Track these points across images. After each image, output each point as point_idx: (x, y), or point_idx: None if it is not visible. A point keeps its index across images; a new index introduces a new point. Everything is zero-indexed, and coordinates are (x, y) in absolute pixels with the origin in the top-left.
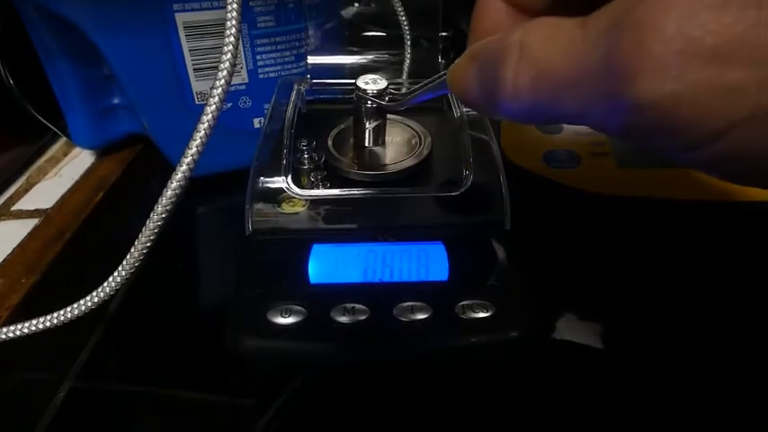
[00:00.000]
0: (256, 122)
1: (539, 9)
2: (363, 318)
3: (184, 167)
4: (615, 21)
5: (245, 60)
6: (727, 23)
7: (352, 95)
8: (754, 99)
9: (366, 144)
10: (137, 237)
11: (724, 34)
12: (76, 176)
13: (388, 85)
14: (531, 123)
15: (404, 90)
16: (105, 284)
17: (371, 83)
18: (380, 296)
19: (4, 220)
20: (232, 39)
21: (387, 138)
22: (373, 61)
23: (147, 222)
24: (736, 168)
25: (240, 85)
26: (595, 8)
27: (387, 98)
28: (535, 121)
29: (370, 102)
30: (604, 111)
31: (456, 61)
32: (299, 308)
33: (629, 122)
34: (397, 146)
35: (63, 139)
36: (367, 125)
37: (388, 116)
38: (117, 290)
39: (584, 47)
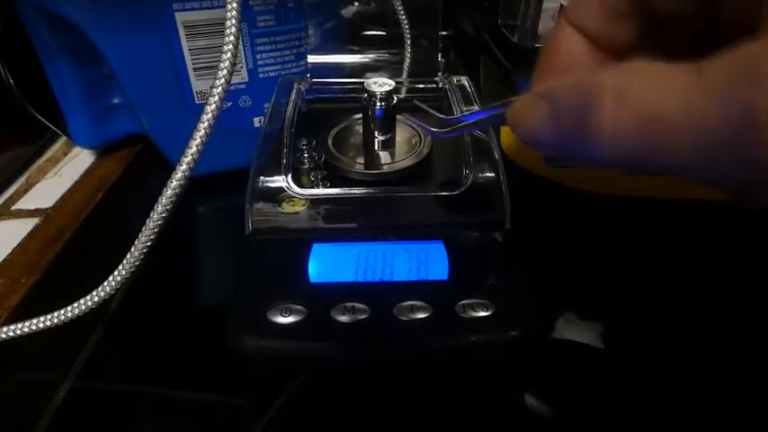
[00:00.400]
0: (256, 122)
1: (623, 49)
2: (363, 317)
3: (184, 167)
4: (744, 73)
5: (245, 59)
6: None
7: (352, 94)
8: None
9: (377, 148)
10: (137, 236)
11: None
12: (76, 176)
13: (395, 86)
14: (620, 169)
15: (404, 89)
16: (105, 284)
17: (379, 85)
18: (380, 295)
19: (5, 219)
20: (232, 38)
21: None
22: (373, 60)
23: (147, 222)
24: None
25: (240, 84)
26: (685, 49)
27: (394, 100)
28: (623, 168)
29: (379, 102)
30: (725, 166)
31: (520, 99)
32: (299, 307)
33: (758, 180)
34: (397, 145)
35: (63, 139)
36: (377, 135)
37: None
38: (117, 289)
39: (703, 97)
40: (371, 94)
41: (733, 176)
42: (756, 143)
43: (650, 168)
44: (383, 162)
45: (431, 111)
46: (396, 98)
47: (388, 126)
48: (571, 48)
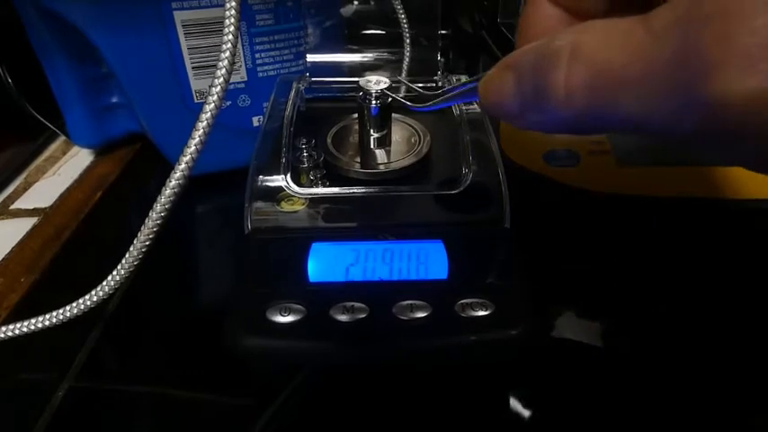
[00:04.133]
0: (255, 121)
1: (595, 14)
2: (363, 316)
3: (183, 166)
4: (688, 12)
5: (244, 59)
6: None
7: (351, 93)
8: None
9: (372, 146)
10: (135, 236)
11: None
12: (75, 175)
13: (390, 84)
14: (577, 133)
15: (403, 88)
16: (104, 283)
17: (374, 83)
18: (380, 294)
19: (3, 219)
20: (231, 37)
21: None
22: (373, 59)
23: (146, 221)
24: None
25: (239, 83)
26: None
27: (391, 93)
28: (585, 129)
29: (374, 100)
30: (674, 111)
31: (488, 72)
32: (298, 306)
33: (706, 123)
34: (396, 144)
35: (62, 138)
36: (373, 133)
37: None
38: (116, 289)
39: (648, 42)
40: (366, 92)
41: (686, 121)
42: (700, 79)
43: (607, 123)
44: (382, 161)
45: (413, 86)
46: (391, 96)
47: (383, 124)
48: (546, 19)
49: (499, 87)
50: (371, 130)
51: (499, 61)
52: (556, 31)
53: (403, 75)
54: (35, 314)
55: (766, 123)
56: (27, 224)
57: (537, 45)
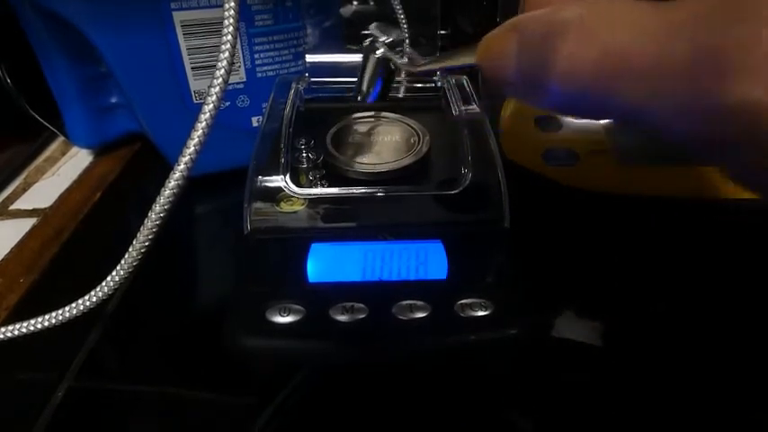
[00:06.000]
0: (254, 121)
1: None
2: (362, 316)
3: (182, 166)
4: (714, 10)
5: (243, 59)
6: None
7: (350, 93)
8: None
9: (360, 99)
10: (135, 236)
11: None
12: (74, 176)
13: (400, 39)
14: (568, 114)
15: (402, 88)
16: (103, 284)
17: (382, 31)
18: (379, 295)
19: (2, 219)
20: (230, 37)
21: (385, 136)
22: None
23: (146, 222)
24: None
25: (238, 83)
26: None
27: (405, 58)
28: (579, 109)
29: (380, 53)
30: (679, 109)
31: (492, 32)
32: (297, 307)
33: (710, 126)
34: (395, 144)
35: (61, 139)
36: (365, 82)
37: (386, 115)
38: (115, 289)
39: (664, 33)
40: (375, 40)
41: (689, 121)
42: (716, 81)
43: (603, 108)
44: (382, 161)
45: (408, 50)
46: (390, 57)
47: (379, 75)
48: None
49: (501, 47)
50: (365, 80)
51: (505, 22)
52: (563, 2)
53: (402, 75)
54: (34, 315)
55: None
56: (26, 224)
57: (545, 12)
